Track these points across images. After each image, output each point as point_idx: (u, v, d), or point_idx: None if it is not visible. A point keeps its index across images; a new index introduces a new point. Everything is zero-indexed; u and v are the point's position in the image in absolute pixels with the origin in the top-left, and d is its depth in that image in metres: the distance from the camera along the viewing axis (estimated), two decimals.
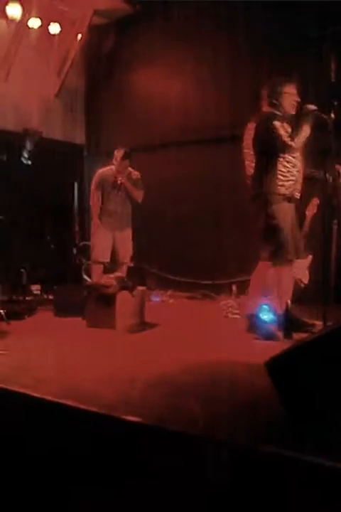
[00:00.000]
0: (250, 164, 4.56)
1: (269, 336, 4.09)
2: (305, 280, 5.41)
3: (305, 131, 4.23)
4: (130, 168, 6.28)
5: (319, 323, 4.05)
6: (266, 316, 4.85)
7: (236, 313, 5.47)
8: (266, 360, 2.34)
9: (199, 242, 7.22)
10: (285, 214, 4.29)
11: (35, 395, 2.71)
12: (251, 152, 4.51)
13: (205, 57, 7.24)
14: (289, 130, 4.29)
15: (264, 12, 6.51)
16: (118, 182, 6.11)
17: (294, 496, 1.94)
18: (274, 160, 4.28)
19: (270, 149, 4.29)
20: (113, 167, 6.22)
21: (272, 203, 4.28)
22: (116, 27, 8.17)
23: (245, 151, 4.66)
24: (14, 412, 2.76)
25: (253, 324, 4.34)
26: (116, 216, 6.18)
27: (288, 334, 4.14)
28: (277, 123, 4.25)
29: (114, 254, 6.20)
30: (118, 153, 6.18)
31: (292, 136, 4.25)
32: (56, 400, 2.65)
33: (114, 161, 6.20)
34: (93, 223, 6.34)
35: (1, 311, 4.82)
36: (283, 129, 4.26)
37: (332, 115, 4.06)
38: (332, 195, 4.11)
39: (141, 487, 2.24)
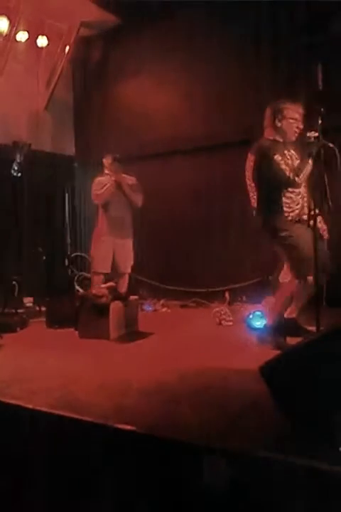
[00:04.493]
0: (253, 196, 4.29)
1: (280, 347, 3.83)
2: None
3: (309, 164, 3.95)
4: (124, 174, 6.18)
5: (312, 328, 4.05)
6: (259, 322, 4.88)
7: (229, 321, 5.47)
8: (261, 364, 2.35)
9: (191, 250, 7.22)
10: (298, 232, 4.09)
11: (28, 406, 2.70)
12: (253, 184, 4.26)
13: (193, 66, 7.27)
14: (290, 162, 4.10)
15: (253, 20, 6.58)
16: (114, 181, 5.92)
17: (290, 500, 1.94)
18: (277, 194, 4.11)
19: (272, 184, 4.10)
20: (108, 175, 6.08)
21: (281, 230, 4.10)
22: (104, 38, 8.20)
23: (247, 182, 4.32)
24: (8, 424, 2.75)
25: (269, 336, 4.21)
26: (119, 223, 5.97)
27: (282, 340, 4.12)
28: (278, 157, 4.04)
29: (113, 264, 5.93)
30: (108, 160, 6.11)
31: (295, 171, 4.03)
32: (50, 410, 2.64)
33: (107, 169, 6.09)
34: (97, 231, 6.10)
35: None
36: (284, 162, 4.06)
37: (320, 121, 4.03)
38: (322, 201, 4.07)
39: (136, 495, 2.23)
